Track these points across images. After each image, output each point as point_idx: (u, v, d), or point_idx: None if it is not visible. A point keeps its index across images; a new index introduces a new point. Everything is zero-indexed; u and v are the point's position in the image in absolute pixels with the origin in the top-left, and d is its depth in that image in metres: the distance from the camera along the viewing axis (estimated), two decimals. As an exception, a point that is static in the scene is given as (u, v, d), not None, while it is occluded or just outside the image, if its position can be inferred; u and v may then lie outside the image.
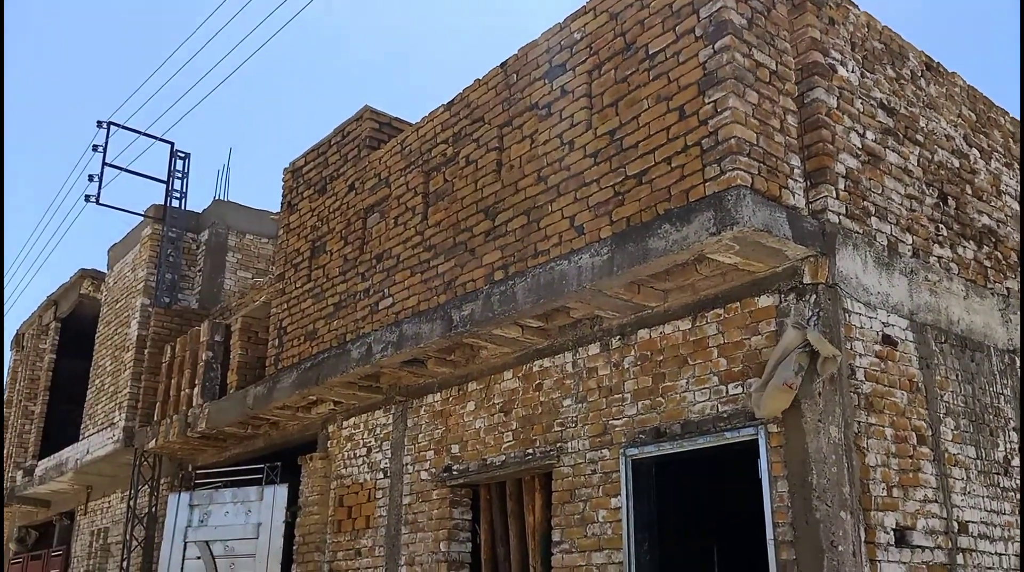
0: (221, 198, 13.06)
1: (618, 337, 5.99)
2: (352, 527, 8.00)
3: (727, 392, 5.19)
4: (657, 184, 5.23)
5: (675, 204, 5.07)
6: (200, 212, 13.11)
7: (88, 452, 12.21)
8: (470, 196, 6.80)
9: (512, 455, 6.55)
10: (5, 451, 16.38)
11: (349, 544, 7.96)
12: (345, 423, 8.56)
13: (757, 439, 4.95)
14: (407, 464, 7.59)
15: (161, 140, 13.13)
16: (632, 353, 5.86)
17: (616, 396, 5.87)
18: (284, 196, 9.47)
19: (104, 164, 12.65)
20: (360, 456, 8.21)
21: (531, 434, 6.44)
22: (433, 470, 7.26)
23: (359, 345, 7.39)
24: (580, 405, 6.12)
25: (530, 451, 6.40)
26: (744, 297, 5.26)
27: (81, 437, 12.86)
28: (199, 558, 8.81)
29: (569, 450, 6.08)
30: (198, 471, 9.58)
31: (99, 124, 12.60)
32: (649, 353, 5.75)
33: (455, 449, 7.11)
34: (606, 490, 5.72)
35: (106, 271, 14.20)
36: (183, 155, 13.10)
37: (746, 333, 5.19)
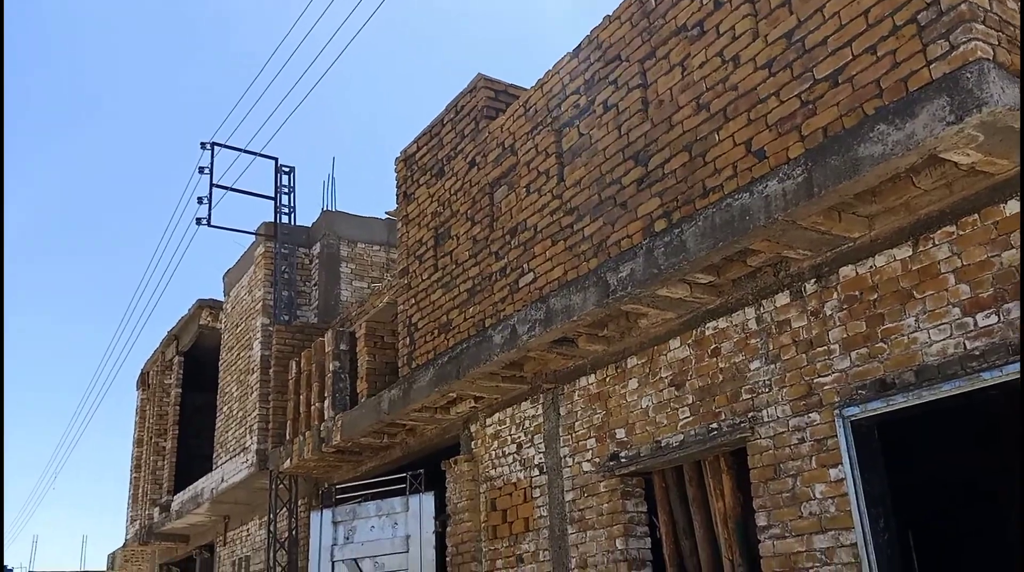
0: (329, 209, 12.74)
1: (813, 280, 5.09)
2: (509, 532, 7.28)
3: (976, 324, 4.22)
4: (860, 80, 4.33)
5: (889, 99, 4.16)
6: (310, 226, 12.82)
7: (223, 480, 11.98)
8: (613, 145, 6.03)
9: (692, 433, 5.70)
10: (137, 490, 16.53)
11: (508, 551, 7.25)
12: (489, 420, 7.89)
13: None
14: (565, 456, 6.83)
15: (264, 156, 12.95)
16: (834, 296, 4.94)
17: (819, 349, 4.96)
18: (399, 187, 8.94)
19: (212, 185, 12.53)
20: (510, 454, 7.51)
21: (713, 406, 5.58)
22: (597, 460, 6.48)
23: (501, 329, 6.70)
24: (772, 366, 5.23)
25: (714, 426, 5.53)
26: (984, 206, 4.29)
27: (214, 466, 12.68)
28: (350, 577, 8.28)
29: (765, 419, 5.19)
30: (337, 487, 9.09)
31: (203, 146, 12.50)
32: (858, 293, 4.82)
33: (620, 434, 6.31)
34: (821, 460, 4.80)
35: (223, 298, 14.11)
36: (288, 169, 12.87)
37: (993, 249, 4.21)
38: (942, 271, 4.43)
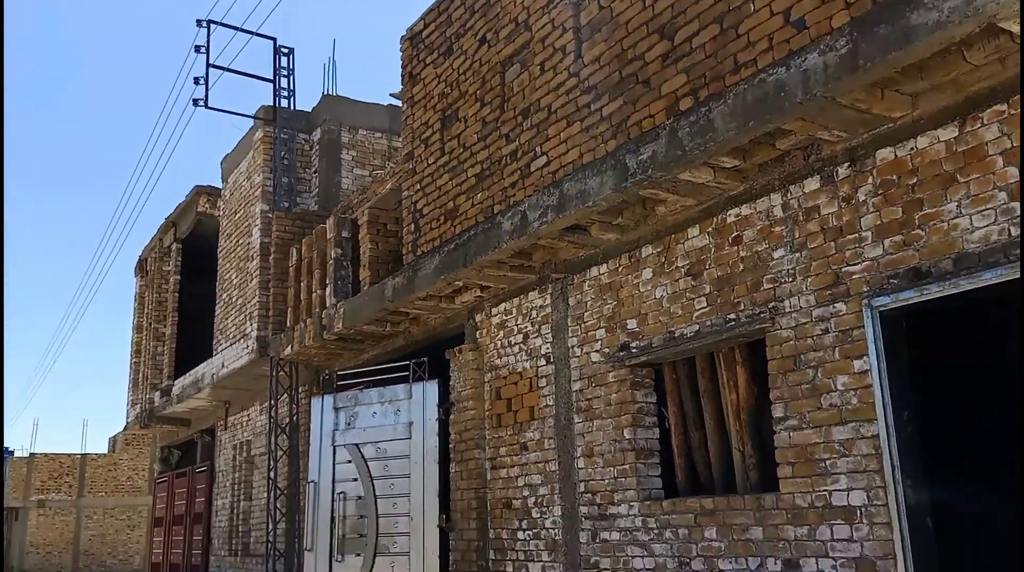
0: (329, 94, 12.25)
1: (846, 164, 4.80)
2: (514, 420, 7.23)
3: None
4: (920, -62, 3.93)
5: (951, -41, 3.78)
6: (310, 111, 12.35)
7: (223, 365, 11.95)
8: (637, 17, 5.63)
9: (708, 324, 5.53)
10: (138, 375, 16.60)
11: (512, 438, 7.21)
12: (495, 310, 7.73)
13: (1078, 264, 3.74)
14: (573, 347, 6.70)
15: (262, 36, 12.36)
16: (869, 181, 4.67)
17: (849, 237, 4.73)
18: (404, 67, 8.49)
19: (208, 65, 11.99)
20: (516, 344, 7.38)
21: (732, 297, 5.39)
22: (606, 350, 6.34)
23: (511, 215, 6.45)
24: (798, 254, 5.01)
25: (732, 316, 5.36)
26: (1043, 83, 3.97)
27: (214, 352, 12.64)
28: (350, 461, 8.29)
29: (787, 309, 5.01)
30: (339, 374, 9.03)
31: (199, 23, 11.90)
32: (896, 177, 4.55)
33: (632, 324, 6.15)
34: (844, 352, 4.64)
35: (221, 185, 13.76)
36: (287, 51, 12.31)
37: (1049, 129, 3.93)
38: (989, 153, 4.15)
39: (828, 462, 4.63)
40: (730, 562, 5.11)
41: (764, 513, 4.95)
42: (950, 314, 4.77)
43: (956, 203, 4.25)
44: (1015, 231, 3.99)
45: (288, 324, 10.29)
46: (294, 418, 10.92)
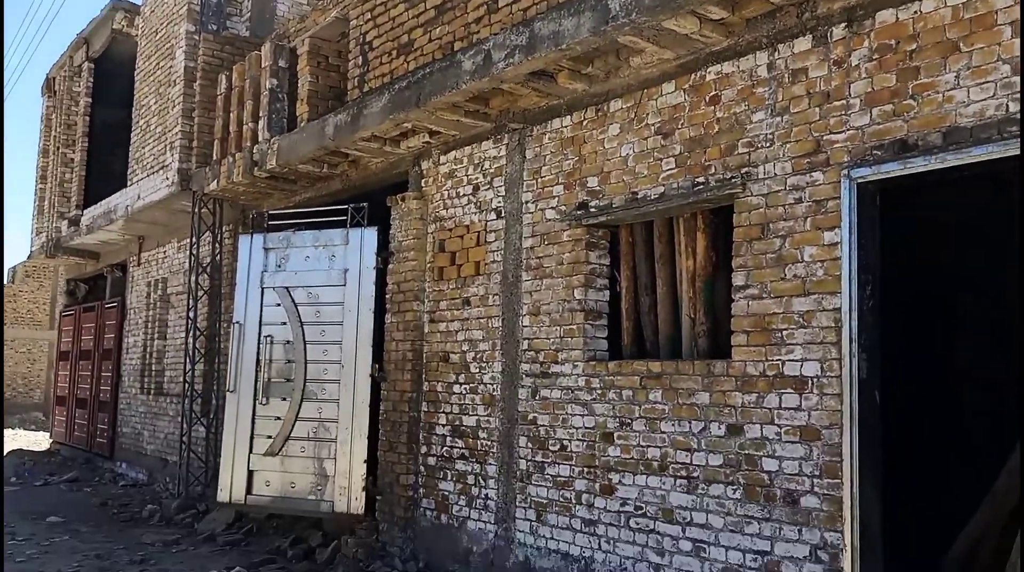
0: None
1: (843, 24, 4.53)
2: (457, 274, 7.01)
3: (1026, 86, 3.82)
4: None
5: None
6: (243, -77, 11.17)
7: (139, 198, 11.24)
8: None
9: (674, 186, 5.32)
10: (43, 202, 15.56)
11: (454, 293, 7.02)
12: (444, 158, 7.34)
13: (1075, 147, 3.63)
14: (527, 202, 6.43)
15: None
16: (865, 44, 4.42)
17: (836, 103, 4.51)
18: None
19: None
20: (465, 195, 7.06)
21: (703, 159, 5.17)
22: (563, 208, 6.10)
23: (474, 54, 5.98)
24: (778, 119, 4.79)
25: (701, 180, 5.16)
26: (1072, -50, 3.73)
27: (129, 183, 11.85)
28: (279, 305, 7.98)
29: (760, 176, 4.83)
30: (270, 213, 8.56)
31: None
32: (894, 42, 4.31)
33: (592, 183, 5.90)
34: (817, 222, 4.53)
35: (140, 0, 12.51)
36: None
37: (1069, 2, 3.72)
38: (998, 22, 3.94)
39: (785, 333, 4.60)
40: (672, 424, 5.14)
41: (713, 379, 4.95)
42: (922, 189, 4.68)
43: (955, 74, 4.06)
44: (1013, 107, 3.85)
45: (214, 157, 9.63)
46: (217, 258, 10.44)
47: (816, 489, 4.37)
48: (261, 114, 8.78)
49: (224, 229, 10.53)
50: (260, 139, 8.69)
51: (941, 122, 4.08)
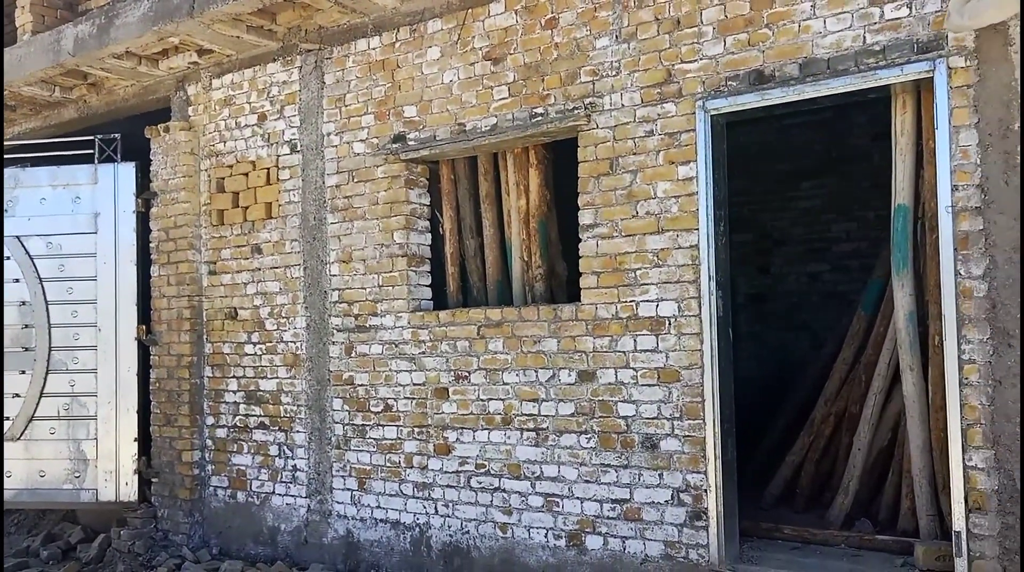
0: None
1: (694, -53, 4.30)
2: (243, 218, 6.08)
3: (882, 16, 3.82)
4: None
5: None
6: None
7: None
8: None
9: (508, 117, 4.88)
10: None
11: (240, 239, 6.08)
12: (217, 82, 6.28)
13: (931, 76, 3.70)
14: (329, 134, 5.66)
15: None
16: (719, -30, 4.23)
17: (687, 30, 4.30)
18: None
19: None
20: (248, 126, 6.09)
21: (540, 88, 4.77)
22: (375, 141, 5.43)
23: (264, -45, 5.04)
24: (625, 46, 4.49)
25: (540, 110, 4.76)
26: None
27: None
28: (8, 258, 6.48)
29: (606, 107, 4.53)
30: (-14, 146, 6.88)
31: None
32: (749, -32, 4.16)
33: (410, 112, 5.28)
34: (670, 157, 4.33)
35: None
36: None
37: (924, -66, 3.74)
38: (855, -47, 3.90)
39: (639, 272, 4.39)
40: (517, 374, 4.79)
41: (560, 324, 4.65)
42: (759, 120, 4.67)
43: (811, 3, 3.98)
44: (870, 38, 3.84)
45: None
46: (-96, 204, 8.34)
47: (677, 432, 4.26)
48: (-37, 21, 6.99)
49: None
50: (-35, 54, 6.92)
51: (798, 52, 4.01)
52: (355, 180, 5.51)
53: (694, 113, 4.24)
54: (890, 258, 4.34)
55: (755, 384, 6.40)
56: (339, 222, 5.57)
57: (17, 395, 6.46)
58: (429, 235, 5.45)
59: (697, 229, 4.22)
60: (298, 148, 5.80)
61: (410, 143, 5.26)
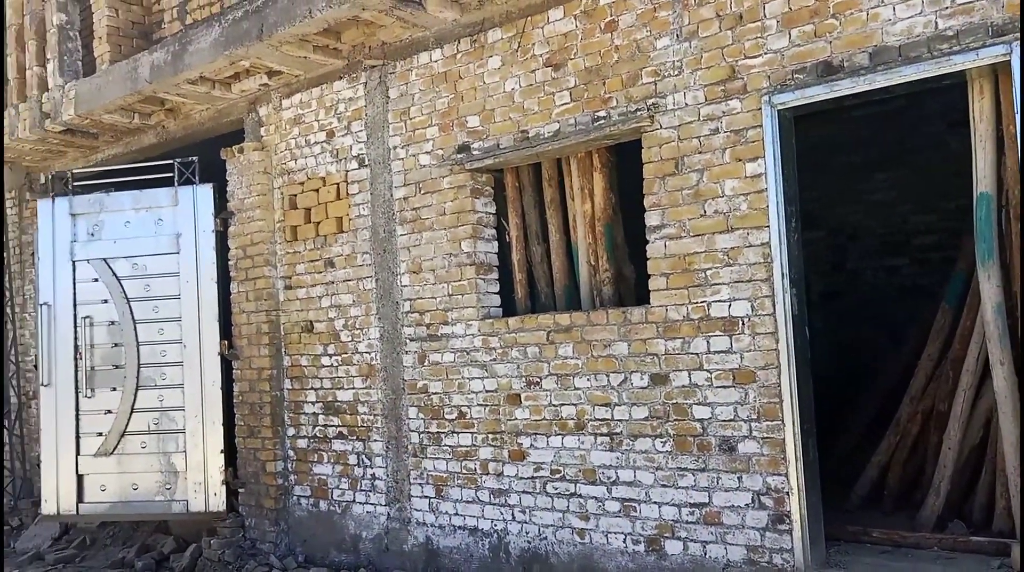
0: None
1: (755, -59, 4.23)
2: (316, 233, 6.23)
3: (954, 0, 3.69)
4: None
5: None
6: None
7: None
8: None
9: (571, 122, 4.88)
10: None
11: (313, 254, 6.24)
12: (287, 102, 6.45)
13: (1008, 60, 3.56)
14: (395, 147, 5.75)
15: None
16: (780, -38, 4.16)
17: (750, 25, 4.23)
18: None
19: None
20: (317, 143, 6.25)
21: (602, 91, 4.76)
22: (440, 152, 5.50)
23: (327, -24, 5.16)
24: (686, 45, 4.45)
25: (602, 114, 4.75)
26: None
27: None
28: (97, 280, 6.79)
29: (670, 107, 4.49)
30: (73, 172, 7.22)
31: None
32: (813, -41, 4.07)
33: (473, 122, 5.33)
34: (737, 154, 4.26)
35: None
36: None
37: (998, -89, 3.60)
38: (924, -63, 3.78)
39: (709, 272, 4.34)
40: (588, 379, 4.78)
41: (631, 328, 4.62)
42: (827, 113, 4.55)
43: (880, -9, 3.88)
44: (942, 24, 3.72)
45: (-10, 111, 8.01)
46: None
47: (755, 434, 4.19)
48: (49, 56, 7.35)
49: (7, 197, 8.91)
50: (51, 86, 7.28)
51: (867, 41, 3.90)
52: (422, 192, 5.59)
53: (760, 108, 4.17)
54: (973, 249, 4.18)
55: (830, 383, 6.22)
56: (408, 233, 5.66)
57: (109, 411, 6.75)
58: (496, 243, 5.49)
59: (767, 226, 4.14)
60: (366, 162, 5.92)
61: (474, 153, 5.31)
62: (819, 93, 4.02)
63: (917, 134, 6.98)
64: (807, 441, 4.11)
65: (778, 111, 4.14)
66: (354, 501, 5.97)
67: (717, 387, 4.31)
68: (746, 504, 4.22)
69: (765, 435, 4.16)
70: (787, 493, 4.09)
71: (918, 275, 6.99)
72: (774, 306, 4.12)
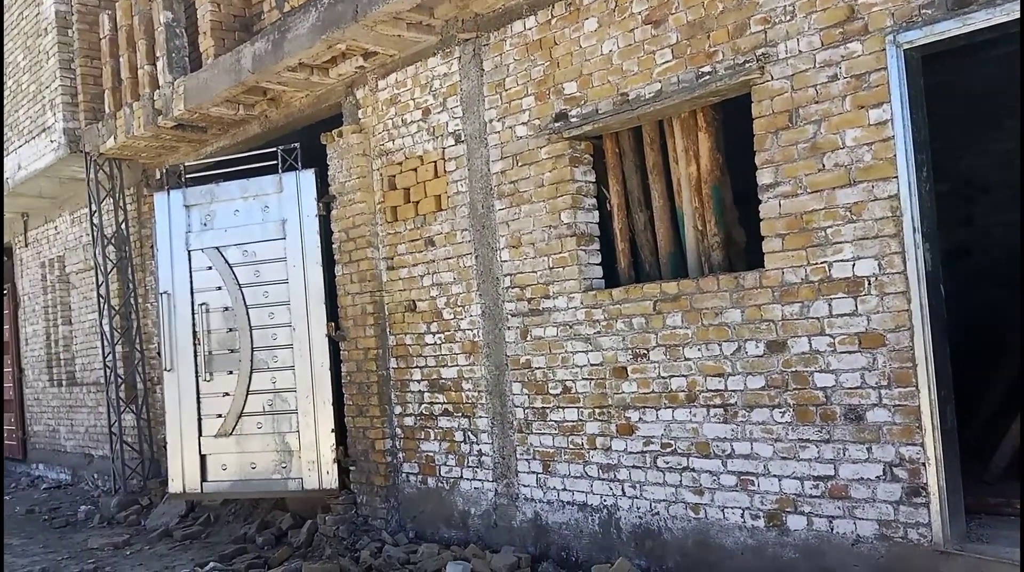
0: None
1: None
2: (415, 212, 6.22)
3: (1110, -88, 3.29)
4: None
5: None
6: None
7: (20, 167, 9.85)
8: None
9: (674, 80, 4.66)
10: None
11: (414, 233, 6.23)
12: (382, 83, 6.46)
13: None
14: (491, 121, 5.66)
15: None
16: None
17: (869, -39, 3.91)
18: None
19: None
20: (413, 122, 6.23)
21: (707, 46, 4.52)
22: (536, 122, 5.37)
23: (418, -52, 5.11)
24: (797, -12, 4.16)
25: (707, 69, 4.51)
26: None
27: (5, 153, 10.40)
28: (210, 268, 7.01)
29: (781, 55, 4.21)
30: (186, 165, 7.48)
31: None
32: None
33: (570, 89, 5.18)
34: (859, 100, 3.95)
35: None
36: None
37: None
38: None
39: (830, 230, 4.05)
40: (699, 349, 4.57)
41: (743, 293, 4.39)
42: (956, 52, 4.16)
43: (1018, -90, 3.50)
44: (1095, -60, 3.32)
45: (108, 111, 8.40)
46: (121, 226, 9.26)
47: (885, 401, 3.89)
48: (158, 54, 7.62)
49: (127, 193, 9.34)
50: (162, 83, 7.56)
51: (1005, -34, 3.53)
52: (519, 164, 5.48)
53: (884, 49, 3.85)
54: None
55: (962, 348, 5.78)
56: (506, 208, 5.56)
57: (227, 394, 6.97)
58: (596, 213, 5.33)
59: (896, 177, 3.82)
60: (462, 138, 5.85)
61: (572, 120, 5.16)
62: (951, 28, 3.67)
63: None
64: (944, 408, 3.79)
65: (904, 51, 3.81)
66: (461, 477, 5.96)
67: (841, 353, 4.03)
68: (877, 476, 3.93)
69: (897, 402, 3.86)
70: (923, 464, 3.78)
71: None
72: (904, 263, 3.81)
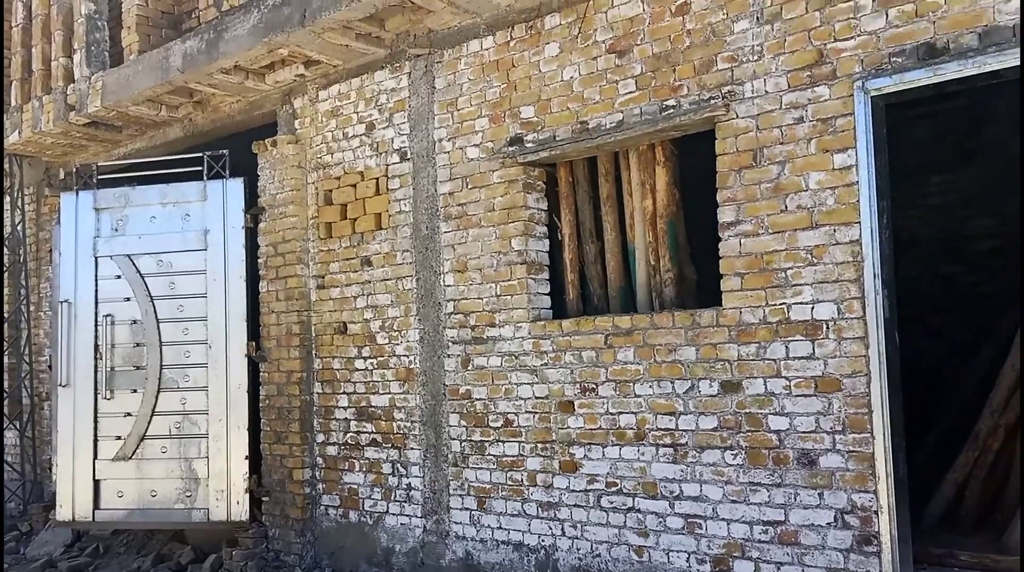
0: None
1: (845, -82, 3.95)
2: (352, 230, 5.93)
3: (1077, -22, 3.40)
4: None
5: None
6: None
7: (-95, 158, 8.99)
8: None
9: (636, 112, 4.59)
10: None
11: (349, 252, 5.94)
12: (323, 94, 6.18)
13: None
14: (441, 140, 5.47)
15: None
16: (874, -61, 3.87)
17: (842, 5, 3.94)
18: None
19: None
20: (355, 136, 5.97)
21: (671, 79, 4.47)
22: (490, 144, 5.21)
23: (377, -44, 4.91)
24: (768, 28, 4.16)
25: (671, 102, 4.46)
26: None
27: None
28: (119, 277, 6.49)
29: (747, 94, 4.20)
30: (99, 166, 6.94)
31: None
32: (911, -65, 3.79)
33: (527, 113, 5.04)
34: (824, 144, 3.96)
35: None
36: None
37: None
38: (1039, -89, 3.50)
39: (790, 272, 4.03)
40: (651, 386, 4.46)
41: (699, 331, 4.31)
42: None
43: (988, -31, 3.59)
44: (1061, 4, 3.43)
45: (15, 103, 7.76)
46: (18, 227, 8.56)
47: (839, 446, 3.86)
48: (76, 46, 7.09)
49: (26, 192, 8.65)
50: (77, 77, 7.02)
51: (976, 21, 3.60)
52: (469, 186, 5.30)
53: (852, 95, 3.87)
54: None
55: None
56: (453, 230, 5.36)
57: (129, 414, 6.44)
58: (547, 241, 5.19)
59: (858, 222, 3.83)
60: (408, 156, 5.63)
61: (528, 145, 5.02)
62: (920, 77, 3.72)
63: (980, 135, 6.68)
64: (897, 456, 3.78)
65: (872, 98, 3.84)
66: (387, 512, 5.64)
67: (796, 396, 3.99)
68: (828, 523, 3.88)
69: (851, 448, 3.83)
70: (875, 512, 3.75)
71: (979, 282, 6.66)
72: (864, 309, 3.81)
